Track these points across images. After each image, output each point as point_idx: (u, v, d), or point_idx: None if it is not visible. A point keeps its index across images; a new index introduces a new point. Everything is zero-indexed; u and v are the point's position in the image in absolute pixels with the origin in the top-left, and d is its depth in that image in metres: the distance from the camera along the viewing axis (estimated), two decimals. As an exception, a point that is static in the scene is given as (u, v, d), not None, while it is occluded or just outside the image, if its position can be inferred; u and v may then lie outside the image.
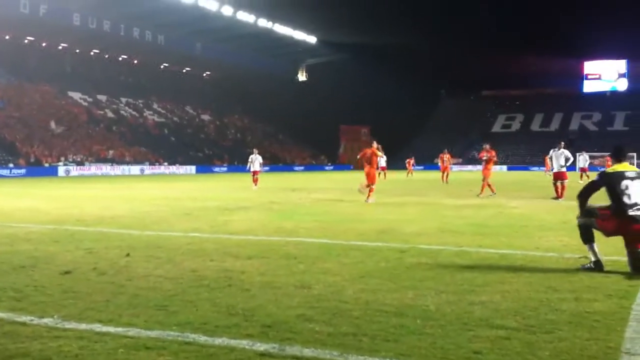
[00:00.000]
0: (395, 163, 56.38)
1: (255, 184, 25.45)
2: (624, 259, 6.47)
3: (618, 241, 6.58)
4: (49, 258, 7.27)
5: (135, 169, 55.25)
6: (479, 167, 21.02)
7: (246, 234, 9.64)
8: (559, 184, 18.36)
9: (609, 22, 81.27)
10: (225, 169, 64.21)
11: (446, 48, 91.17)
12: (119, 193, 22.69)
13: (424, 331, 4.25)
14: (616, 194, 6.46)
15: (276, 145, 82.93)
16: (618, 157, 6.82)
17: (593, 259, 6.48)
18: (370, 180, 17.92)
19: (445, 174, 32.89)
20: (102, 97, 71.78)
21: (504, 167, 73.29)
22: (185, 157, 64.24)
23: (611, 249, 6.96)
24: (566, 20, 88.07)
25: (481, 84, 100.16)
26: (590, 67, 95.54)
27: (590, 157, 33.45)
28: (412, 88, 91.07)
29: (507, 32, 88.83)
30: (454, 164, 35.13)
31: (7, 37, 65.45)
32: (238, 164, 60.74)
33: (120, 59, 79.30)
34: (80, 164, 52.40)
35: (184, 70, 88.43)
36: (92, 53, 75.63)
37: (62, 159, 52.01)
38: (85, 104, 68.42)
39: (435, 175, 38.71)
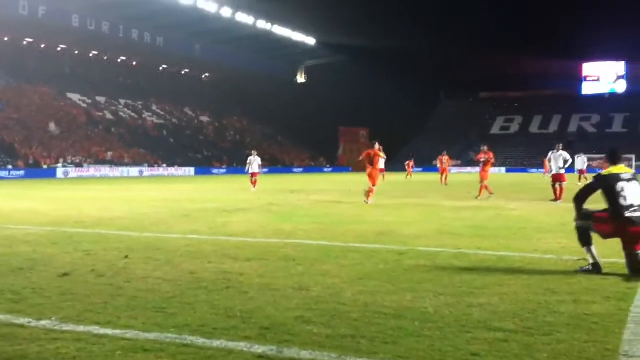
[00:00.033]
0: (394, 165, 56.38)
1: (254, 186, 25.44)
2: (623, 261, 6.47)
3: (616, 243, 6.58)
4: (47, 260, 7.26)
5: (134, 171, 55.20)
6: (478, 169, 21.05)
7: (245, 236, 9.64)
8: (557, 186, 18.37)
9: (608, 24, 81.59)
10: (224, 170, 64.18)
11: (445, 50, 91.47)
12: (117, 195, 22.68)
13: (422, 333, 4.25)
14: (612, 197, 6.48)
15: (275, 147, 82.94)
16: (613, 160, 6.84)
17: (591, 261, 6.48)
18: (372, 181, 17.96)
19: (444, 175, 32.93)
20: (101, 99, 71.76)
21: (503, 169, 73.35)
22: (184, 159, 64.21)
23: (609, 251, 6.96)
24: (565, 22, 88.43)
25: (480, 86, 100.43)
26: (588, 68, 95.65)
27: (589, 159, 33.44)
28: (411, 90, 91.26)
29: (506, 34, 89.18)
30: (453, 166, 35.10)
31: (6, 39, 65.42)
32: (237, 165, 60.71)
33: (119, 60, 79.29)
34: (79, 165, 52.36)
35: (183, 72, 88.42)
36: (91, 54, 75.60)
37: (61, 160, 51.96)
38: (84, 105, 68.37)
39: (434, 177, 38.74)
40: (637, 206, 6.45)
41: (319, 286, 5.79)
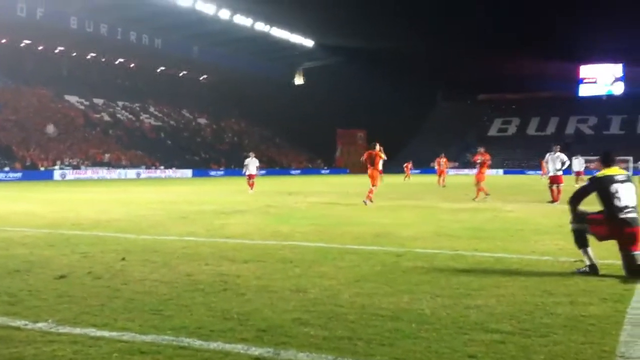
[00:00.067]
0: (392, 166, 56.38)
1: (251, 188, 25.41)
2: (619, 262, 6.48)
3: (613, 245, 6.59)
4: (44, 262, 7.25)
5: (131, 173, 55.16)
6: (475, 171, 21.08)
7: (242, 238, 9.63)
8: (554, 187, 18.40)
9: (606, 26, 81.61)
10: (221, 172, 64.16)
11: (442, 51, 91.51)
12: (115, 197, 22.66)
13: (419, 335, 4.25)
14: (607, 198, 6.50)
15: (273, 148, 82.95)
16: (607, 162, 6.87)
17: (588, 263, 6.50)
18: (373, 181, 18.06)
19: (442, 177, 32.96)
20: (99, 101, 71.73)
21: (500, 171, 73.39)
22: (181, 161, 64.20)
23: (606, 252, 6.97)
24: (563, 24, 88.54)
25: (477, 88, 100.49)
26: (586, 71, 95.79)
27: (586, 161, 33.49)
28: (409, 92, 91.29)
29: (504, 36, 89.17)
30: (451, 167, 35.15)
31: (3, 41, 65.40)
32: (235, 167, 60.70)
33: (117, 62, 79.28)
34: (76, 167, 52.32)
35: (181, 74, 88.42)
36: (89, 56, 75.57)
37: (58, 162, 51.92)
38: (82, 107, 68.35)
39: (431, 178, 38.77)
40: (631, 207, 6.47)
41: (316, 288, 5.78)
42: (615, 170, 6.73)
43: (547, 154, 19.35)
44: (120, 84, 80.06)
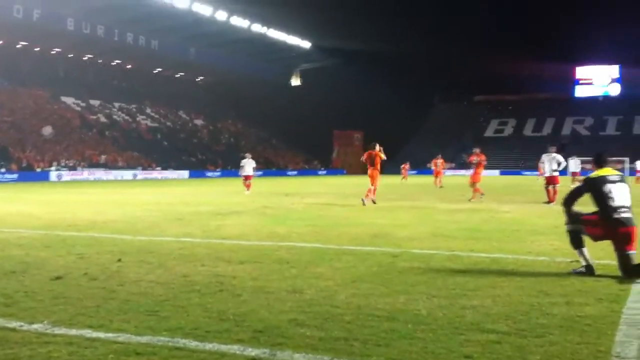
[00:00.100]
0: (389, 167, 56.40)
1: (248, 189, 25.39)
2: (615, 263, 6.49)
3: (608, 245, 6.60)
4: (40, 263, 7.23)
5: (127, 174, 55.08)
6: (470, 171, 21.14)
7: (239, 239, 9.63)
8: (550, 188, 18.43)
9: (602, 27, 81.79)
10: (218, 173, 64.12)
11: (439, 53, 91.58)
12: (111, 198, 22.63)
13: (415, 335, 4.25)
14: (601, 199, 6.52)
15: (269, 150, 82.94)
16: (599, 163, 6.90)
17: (584, 263, 6.51)
18: (372, 181, 18.16)
19: (439, 178, 33.01)
20: (95, 102, 71.65)
21: (497, 172, 73.46)
22: (178, 162, 64.15)
23: (602, 253, 6.99)
24: (560, 25, 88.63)
25: (474, 89, 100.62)
26: (581, 72, 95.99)
27: (582, 162, 33.52)
28: (405, 93, 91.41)
29: (501, 37, 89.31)
30: (447, 168, 35.25)
31: (0, 42, 65.26)
32: (231, 168, 60.68)
33: (113, 63, 79.20)
34: (72, 168, 52.23)
35: (178, 75, 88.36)
36: (85, 58, 75.47)
37: (54, 163, 51.83)
38: (78, 108, 68.27)
39: (428, 179, 38.81)
40: (625, 207, 6.49)
41: (313, 289, 5.78)
42: (608, 171, 6.75)
43: (543, 155, 19.39)
44: (117, 85, 80.00)
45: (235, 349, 3.97)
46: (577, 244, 6.62)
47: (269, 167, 71.29)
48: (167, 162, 62.50)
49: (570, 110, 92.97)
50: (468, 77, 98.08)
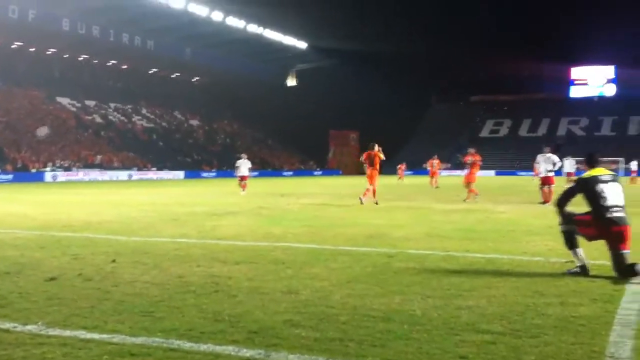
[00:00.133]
0: (385, 168, 56.42)
1: (243, 189, 25.35)
2: (609, 263, 6.50)
3: (603, 245, 6.61)
4: (35, 264, 7.21)
5: (123, 174, 54.98)
6: (465, 172, 21.18)
7: (234, 240, 9.62)
8: (545, 188, 18.47)
9: (598, 28, 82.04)
10: (214, 174, 64.06)
11: (435, 53, 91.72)
12: (106, 198, 22.59)
13: (411, 336, 4.25)
14: (593, 199, 6.54)
15: (265, 150, 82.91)
16: (591, 163, 6.93)
17: (578, 263, 6.52)
18: (371, 181, 18.27)
19: (435, 179, 33.05)
20: (91, 103, 71.50)
21: (492, 172, 73.59)
22: (173, 162, 64.06)
23: (596, 253, 7.00)
24: (556, 26, 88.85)
25: (469, 90, 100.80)
26: (577, 72, 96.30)
27: (577, 162, 33.60)
28: (401, 93, 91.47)
29: (497, 38, 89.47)
30: (443, 169, 35.33)
31: (-5, 42, 65.19)
32: (227, 169, 60.65)
33: (109, 64, 79.06)
34: (68, 169, 52.11)
35: (173, 76, 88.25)
36: (81, 58, 75.31)
37: (50, 164, 51.70)
38: (74, 109, 68.12)
39: (424, 180, 38.85)
40: (618, 206, 6.50)
41: (308, 289, 5.78)
42: (600, 171, 6.78)
43: (538, 155, 19.43)
44: (112, 85, 79.86)
45: (230, 350, 3.97)
46: (571, 244, 6.64)
47: (264, 167, 71.29)
48: (163, 163, 62.41)
49: (565, 110, 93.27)
50: (464, 78, 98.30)
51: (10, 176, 45.98)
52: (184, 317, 4.77)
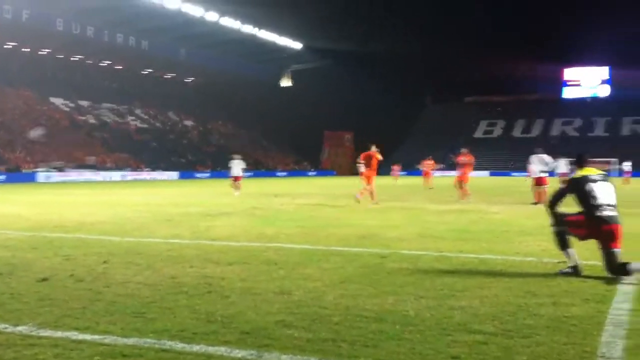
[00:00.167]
0: (380, 169, 56.43)
1: (237, 190, 25.31)
2: (601, 263, 6.51)
3: (595, 246, 6.62)
4: (27, 265, 7.18)
5: (116, 175, 54.84)
6: (457, 172, 21.23)
7: (227, 240, 9.60)
8: (539, 189, 18.51)
9: (592, 29, 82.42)
10: (208, 174, 63.97)
11: (430, 54, 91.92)
12: (99, 199, 22.52)
13: (403, 336, 4.25)
14: (584, 198, 6.56)
15: (260, 151, 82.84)
16: (580, 163, 6.97)
17: (571, 264, 6.54)
18: (367, 181, 18.49)
19: (428, 179, 33.08)
20: (84, 103, 71.30)
21: (486, 173, 73.76)
22: (167, 163, 63.94)
23: (589, 253, 7.01)
24: (550, 27, 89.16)
25: (463, 91, 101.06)
26: (570, 73, 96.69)
27: (570, 163, 33.67)
28: (396, 94, 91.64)
29: (490, 39, 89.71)
30: (437, 169, 35.36)
31: (-12, 43, 64.96)
32: (221, 169, 60.58)
33: (103, 64, 78.87)
34: (61, 169, 51.93)
35: (168, 76, 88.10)
36: (75, 58, 75.10)
37: (43, 164, 51.50)
38: (67, 109, 67.91)
39: (418, 180, 38.88)
40: (609, 205, 6.52)
41: (301, 290, 5.77)
42: (590, 171, 6.81)
43: (532, 156, 19.49)
44: (107, 86, 79.66)
45: (222, 350, 3.96)
46: (563, 245, 6.66)
47: (258, 168, 71.23)
48: (157, 163, 62.29)
49: (559, 111, 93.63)
50: (458, 78, 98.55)
51: (3, 177, 45.81)
52: (176, 318, 4.75)
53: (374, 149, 18.77)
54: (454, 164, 21.93)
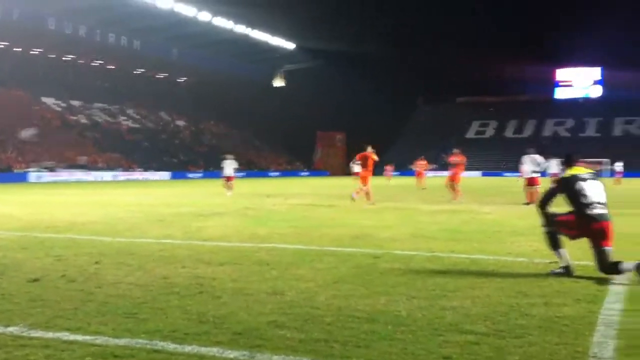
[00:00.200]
0: (374, 169, 56.39)
1: (229, 190, 25.27)
2: (593, 263, 6.53)
3: (587, 246, 6.64)
4: (17, 265, 7.14)
5: (108, 175, 54.64)
6: (448, 172, 21.28)
7: (219, 241, 9.58)
8: (530, 189, 18.57)
9: (584, 30, 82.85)
10: (200, 174, 63.84)
11: (422, 55, 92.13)
12: (91, 199, 22.43)
13: (395, 337, 4.25)
14: (574, 197, 6.59)
15: (252, 151, 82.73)
16: (569, 163, 7.00)
17: (562, 264, 6.55)
18: (363, 181, 18.69)
19: (421, 180, 33.11)
20: (76, 103, 71.01)
21: (478, 173, 73.96)
22: (159, 163, 63.75)
23: (580, 253, 7.03)
24: (543, 28, 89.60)
25: (456, 91, 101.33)
26: (561, 74, 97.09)
27: (561, 163, 33.80)
28: (388, 94, 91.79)
29: (483, 39, 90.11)
30: (430, 170, 35.40)
31: (-21, 42, 64.57)
32: (213, 170, 60.48)
33: (95, 64, 78.57)
34: (52, 169, 51.70)
35: (160, 76, 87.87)
36: (67, 58, 74.77)
37: (34, 164, 51.25)
38: (59, 109, 67.61)
39: (411, 181, 38.92)
40: (599, 203, 6.54)
41: (293, 290, 5.77)
42: (579, 170, 6.83)
43: (524, 156, 19.55)
44: (99, 85, 79.38)
45: (214, 351, 3.95)
46: (554, 245, 6.67)
47: (251, 168, 71.13)
48: (149, 163, 62.10)
49: (550, 112, 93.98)
50: (450, 79, 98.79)
51: (-6, 177, 45.55)
52: (167, 318, 4.74)
53: (369, 149, 18.82)
54: (446, 164, 21.96)
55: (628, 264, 6.21)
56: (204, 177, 62.11)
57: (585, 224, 6.46)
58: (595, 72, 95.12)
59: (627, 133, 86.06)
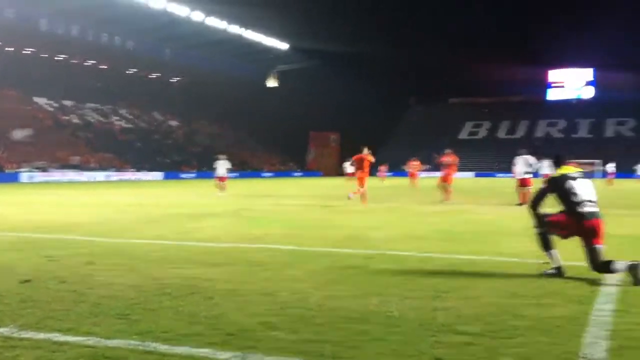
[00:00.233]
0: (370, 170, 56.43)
1: (222, 191, 25.23)
2: (585, 264, 6.55)
3: (579, 247, 6.66)
4: (9, 266, 7.11)
5: (100, 175, 54.45)
6: (442, 172, 21.32)
7: (212, 241, 9.56)
8: (523, 190, 18.63)
9: (577, 31, 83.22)
10: (193, 175, 63.70)
11: (414, 55, 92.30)
12: (83, 199, 22.36)
13: (387, 337, 4.26)
14: (564, 196, 6.61)
15: (245, 151, 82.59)
16: (558, 163, 7.03)
17: (554, 265, 6.57)
18: (360, 182, 18.91)
19: (414, 180, 33.20)
20: (68, 103, 70.74)
21: (471, 174, 74.13)
22: (152, 163, 63.55)
23: (572, 254, 7.05)
24: (534, 29, 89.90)
25: (448, 92, 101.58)
26: (554, 75, 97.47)
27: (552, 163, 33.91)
28: (381, 94, 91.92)
29: (475, 40, 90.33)
30: (423, 170, 35.46)
31: (-29, 42, 64.18)
32: (207, 170, 60.36)
33: (87, 64, 78.27)
34: (44, 170, 51.49)
35: (153, 76, 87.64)
36: (59, 58, 74.44)
37: (26, 165, 51.02)
38: (51, 109, 67.34)
39: (404, 181, 38.98)
40: (590, 201, 6.56)
41: (286, 291, 5.76)
42: (568, 169, 6.85)
43: (516, 157, 19.60)
44: (91, 85, 79.03)
45: (206, 352, 3.94)
46: (546, 246, 6.69)
47: (244, 168, 71.02)
48: (141, 164, 61.89)
49: (543, 113, 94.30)
50: (443, 79, 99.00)
51: (-15, 177, 45.35)
52: (160, 319, 4.73)
53: (366, 151, 18.88)
54: (438, 164, 22.00)
55: (620, 263, 6.23)
56: (197, 177, 61.97)
57: (576, 222, 6.48)
58: (588, 73, 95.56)
59: (619, 134, 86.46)
